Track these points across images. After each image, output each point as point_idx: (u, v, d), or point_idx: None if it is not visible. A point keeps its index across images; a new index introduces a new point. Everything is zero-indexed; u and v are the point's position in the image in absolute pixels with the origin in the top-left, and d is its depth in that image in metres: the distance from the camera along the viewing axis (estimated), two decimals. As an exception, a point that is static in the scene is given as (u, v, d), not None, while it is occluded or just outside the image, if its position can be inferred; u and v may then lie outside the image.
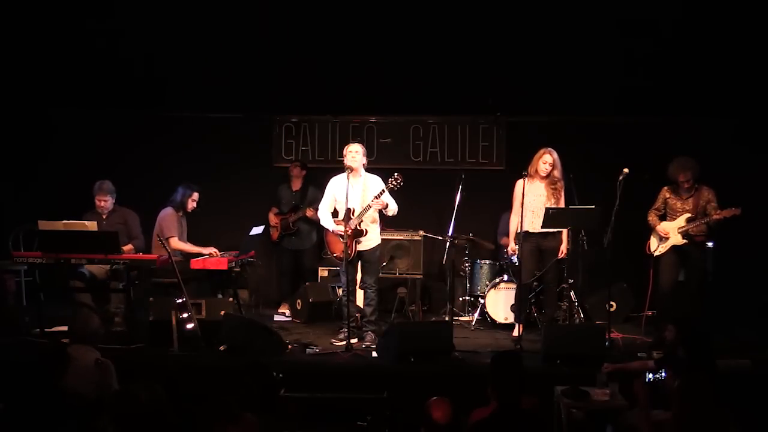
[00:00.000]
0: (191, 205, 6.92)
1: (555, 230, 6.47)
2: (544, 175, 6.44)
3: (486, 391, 3.78)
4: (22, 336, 6.29)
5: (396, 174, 6.24)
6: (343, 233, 6.18)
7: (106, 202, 6.77)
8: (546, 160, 6.44)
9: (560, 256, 6.56)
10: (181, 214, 6.90)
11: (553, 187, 6.47)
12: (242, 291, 7.29)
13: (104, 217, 6.78)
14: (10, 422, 3.83)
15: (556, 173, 6.46)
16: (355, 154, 6.32)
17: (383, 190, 6.19)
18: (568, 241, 6.58)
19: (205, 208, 8.10)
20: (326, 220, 6.43)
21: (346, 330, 6.23)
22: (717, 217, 6.17)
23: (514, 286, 6.89)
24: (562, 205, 6.47)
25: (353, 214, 6.25)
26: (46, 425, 3.81)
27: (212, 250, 6.72)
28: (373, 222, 6.38)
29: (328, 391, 5.07)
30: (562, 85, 7.82)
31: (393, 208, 6.34)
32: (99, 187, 6.79)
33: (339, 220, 6.30)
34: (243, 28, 7.76)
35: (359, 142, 6.58)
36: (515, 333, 6.48)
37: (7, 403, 3.97)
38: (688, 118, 7.86)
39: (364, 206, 6.21)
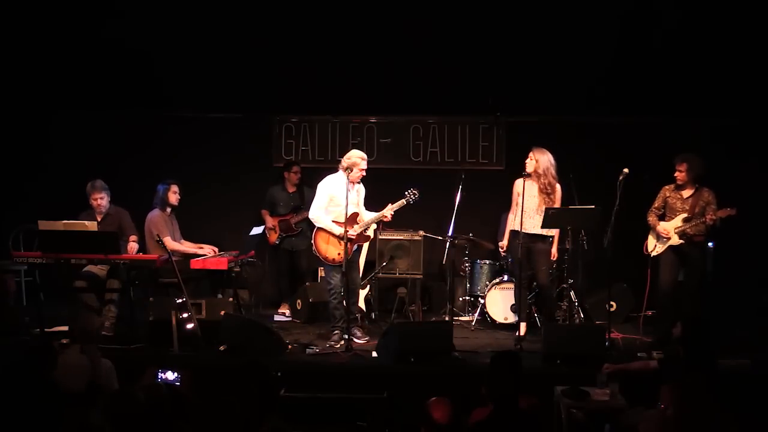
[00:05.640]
0: (173, 198, 6.79)
1: (545, 233, 6.45)
2: (530, 170, 6.39)
3: (480, 391, 3.78)
4: (22, 336, 6.28)
5: (412, 189, 6.34)
6: (347, 235, 6.11)
7: (102, 200, 6.70)
8: (530, 157, 6.42)
9: (552, 258, 6.55)
10: (169, 212, 6.83)
11: (544, 191, 6.39)
12: (242, 291, 7.29)
13: (99, 218, 6.70)
14: (6, 420, 3.84)
15: (540, 171, 6.35)
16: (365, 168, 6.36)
17: (403, 201, 6.31)
18: (568, 241, 6.58)
19: (205, 208, 8.17)
20: (326, 221, 6.32)
21: (338, 331, 6.29)
22: (712, 217, 6.15)
23: (513, 285, 6.88)
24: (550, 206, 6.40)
25: (359, 219, 6.33)
26: (40, 422, 3.81)
27: (211, 249, 6.72)
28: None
29: (328, 391, 5.07)
30: (562, 85, 7.82)
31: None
32: (92, 186, 6.71)
33: (340, 222, 6.27)
34: (243, 28, 7.76)
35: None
36: (520, 332, 6.42)
37: (4, 402, 3.97)
38: (688, 119, 7.86)
39: (376, 214, 6.34)
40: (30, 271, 7.07)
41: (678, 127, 7.84)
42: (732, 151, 7.65)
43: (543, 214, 6.27)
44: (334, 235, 6.26)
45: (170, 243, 6.62)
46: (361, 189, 6.52)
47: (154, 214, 6.74)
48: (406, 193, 6.35)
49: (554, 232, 6.54)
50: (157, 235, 6.45)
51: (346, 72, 8.02)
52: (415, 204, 6.43)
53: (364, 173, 6.37)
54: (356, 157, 6.31)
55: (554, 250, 6.56)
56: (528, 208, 6.33)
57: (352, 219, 6.31)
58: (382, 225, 6.91)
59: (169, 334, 5.87)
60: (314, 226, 6.42)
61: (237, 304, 6.76)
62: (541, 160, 6.38)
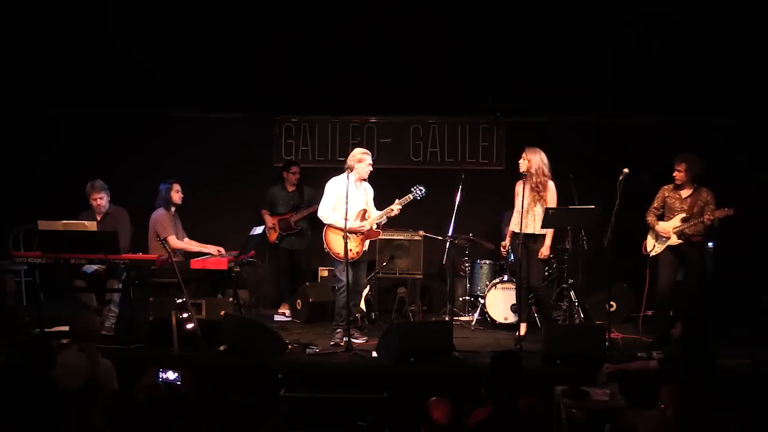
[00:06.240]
0: (176, 197, 6.83)
1: (538, 233, 6.42)
2: (523, 170, 6.40)
3: (480, 391, 3.78)
4: (22, 336, 6.28)
5: (419, 185, 6.42)
6: (356, 229, 6.19)
7: (102, 200, 6.71)
8: (523, 157, 6.42)
9: (540, 256, 6.45)
10: (173, 211, 6.87)
11: (535, 189, 6.36)
12: (242, 291, 7.30)
13: (99, 218, 6.69)
14: (5, 420, 3.84)
15: (533, 171, 6.33)
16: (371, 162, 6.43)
17: (410, 197, 6.38)
18: (568, 241, 6.57)
19: (205, 208, 8.17)
20: (335, 217, 6.33)
21: (340, 330, 6.30)
22: (710, 217, 6.13)
23: (513, 286, 6.89)
24: (545, 206, 6.37)
25: (367, 216, 6.39)
26: (39, 421, 3.81)
27: (217, 249, 6.72)
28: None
29: (328, 391, 5.07)
30: (562, 85, 7.82)
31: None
32: (92, 186, 6.72)
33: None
34: (243, 28, 7.77)
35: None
36: (520, 332, 6.42)
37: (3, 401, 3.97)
38: (688, 118, 7.86)
39: (384, 210, 6.40)
40: (30, 271, 7.07)
41: (678, 127, 7.84)
42: (731, 151, 7.64)
43: (533, 213, 6.32)
44: (354, 230, 6.30)
45: (175, 242, 6.65)
46: (368, 188, 6.56)
47: (159, 214, 6.75)
48: (413, 188, 6.41)
49: (546, 231, 6.46)
50: (157, 236, 6.45)
51: (346, 72, 8.02)
52: (415, 203, 6.46)
53: (372, 168, 6.42)
54: (361, 154, 6.41)
55: (543, 248, 6.44)
56: (523, 208, 6.35)
57: (361, 216, 6.39)
58: (382, 225, 6.90)
59: (169, 334, 5.87)
60: (314, 225, 6.44)
61: (237, 304, 6.77)
62: (533, 159, 6.38)
